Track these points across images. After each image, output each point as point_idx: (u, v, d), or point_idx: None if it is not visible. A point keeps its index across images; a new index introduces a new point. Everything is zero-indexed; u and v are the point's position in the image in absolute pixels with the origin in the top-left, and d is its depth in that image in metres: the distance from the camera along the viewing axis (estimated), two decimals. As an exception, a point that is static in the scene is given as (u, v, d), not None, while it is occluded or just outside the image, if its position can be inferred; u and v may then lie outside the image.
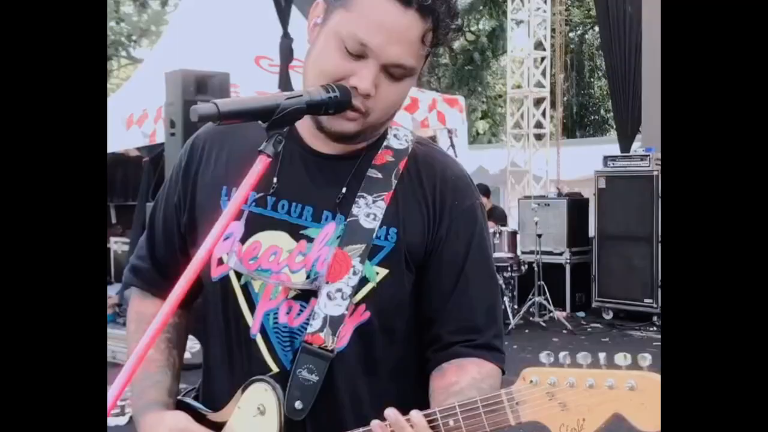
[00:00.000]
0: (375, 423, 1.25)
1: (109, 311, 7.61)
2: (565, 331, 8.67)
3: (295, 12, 7.42)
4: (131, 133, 8.31)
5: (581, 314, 9.66)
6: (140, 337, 1.48)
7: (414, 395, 1.37)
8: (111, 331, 7.22)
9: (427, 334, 1.43)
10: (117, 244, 9.86)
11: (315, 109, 1.29)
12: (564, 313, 9.36)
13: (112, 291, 8.27)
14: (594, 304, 9.69)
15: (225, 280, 1.42)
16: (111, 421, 5.15)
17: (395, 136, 1.47)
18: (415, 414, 1.23)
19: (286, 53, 6.80)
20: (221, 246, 1.41)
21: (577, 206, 10.17)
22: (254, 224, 1.41)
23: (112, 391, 1.14)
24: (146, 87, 9.05)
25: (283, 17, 7.00)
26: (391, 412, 1.23)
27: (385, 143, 1.45)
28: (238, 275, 1.40)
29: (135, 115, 8.27)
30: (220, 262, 1.41)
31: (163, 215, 1.54)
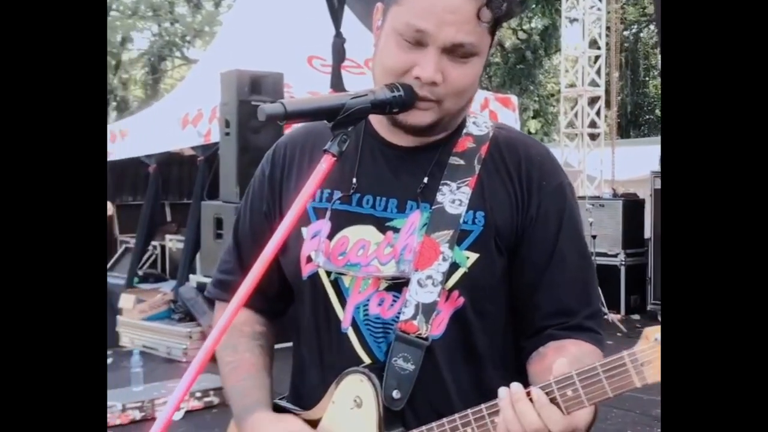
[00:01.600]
0: (503, 391, 1.20)
1: (164, 307, 7.73)
2: (619, 334, 8.53)
3: (347, 12, 7.44)
4: (186, 133, 8.43)
5: (636, 317, 9.50)
6: (233, 343, 1.51)
7: (513, 380, 1.35)
8: (165, 327, 7.34)
9: (520, 319, 1.41)
10: (171, 242, 10.02)
11: (380, 108, 1.29)
12: (618, 316, 9.21)
13: (167, 287, 8.40)
14: (649, 307, 9.52)
15: (314, 277, 1.42)
16: (166, 417, 5.23)
17: (474, 123, 1.46)
18: (534, 389, 1.17)
19: (339, 53, 6.82)
20: (309, 244, 1.42)
21: (632, 207, 9.98)
22: (340, 221, 1.41)
23: (180, 386, 1.15)
24: (201, 87, 9.18)
25: (336, 17, 7.03)
26: (514, 384, 1.19)
27: (464, 131, 1.44)
28: (328, 272, 1.40)
29: (190, 115, 8.38)
30: (309, 260, 1.42)
31: (251, 226, 1.54)
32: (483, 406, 1.24)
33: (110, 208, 4.44)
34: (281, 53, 8.13)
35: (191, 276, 8.05)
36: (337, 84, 6.67)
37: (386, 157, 1.43)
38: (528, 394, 1.18)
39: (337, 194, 1.42)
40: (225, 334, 1.52)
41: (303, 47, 8.51)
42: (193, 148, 8.68)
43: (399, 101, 1.29)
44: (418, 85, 1.30)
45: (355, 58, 7.70)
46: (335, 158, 1.25)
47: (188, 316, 7.39)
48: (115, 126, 10.71)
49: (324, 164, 1.24)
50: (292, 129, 1.52)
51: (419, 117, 1.34)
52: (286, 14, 9.00)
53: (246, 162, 7.11)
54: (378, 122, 1.42)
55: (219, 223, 7.31)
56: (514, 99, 9.61)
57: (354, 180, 1.42)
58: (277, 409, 1.46)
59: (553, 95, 21.87)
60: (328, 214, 1.41)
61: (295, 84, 7.60)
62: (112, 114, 29.45)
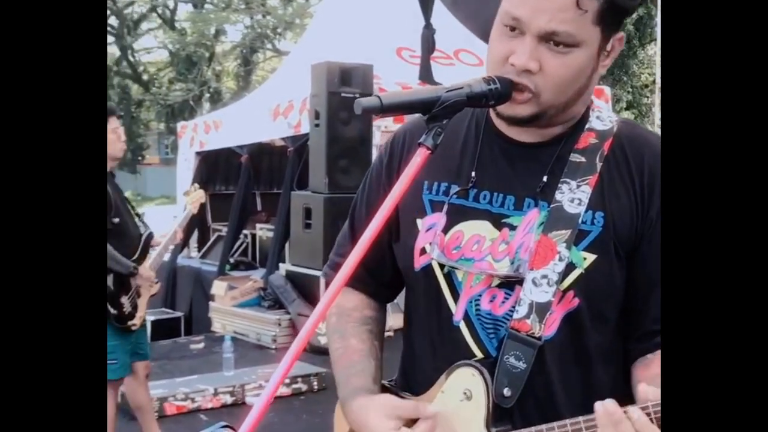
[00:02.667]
0: (599, 406, 1.18)
1: (254, 294, 7.89)
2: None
3: (437, 3, 7.40)
4: (277, 124, 8.58)
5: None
6: (341, 328, 1.54)
7: (625, 385, 1.32)
8: (255, 313, 7.50)
9: (629, 322, 1.38)
10: (261, 231, 10.22)
11: (476, 101, 1.28)
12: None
13: (257, 275, 8.58)
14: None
15: (428, 269, 1.43)
16: (257, 401, 5.35)
17: (598, 117, 1.42)
18: (633, 410, 1.16)
19: (428, 44, 6.79)
20: (424, 236, 1.43)
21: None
22: (456, 215, 1.41)
23: (278, 371, 1.17)
24: (292, 79, 9.32)
25: (426, 8, 7.00)
26: (610, 404, 1.17)
27: (587, 125, 1.41)
28: (441, 265, 1.41)
29: (281, 106, 8.52)
30: (423, 252, 1.43)
31: (367, 212, 1.55)
32: (581, 419, 1.22)
33: (203, 197, 4.64)
34: (371, 45, 8.18)
35: (280, 265, 8.19)
36: (426, 75, 6.65)
37: (506, 152, 1.42)
38: (626, 412, 1.16)
39: (455, 188, 1.41)
40: (335, 318, 1.58)
41: (392, 39, 8.52)
42: (283, 138, 8.83)
43: (495, 94, 1.28)
44: (515, 72, 1.29)
45: (445, 49, 7.68)
46: (430, 151, 1.25)
47: (277, 304, 7.53)
48: (208, 117, 10.99)
49: (419, 158, 1.24)
50: (411, 118, 1.53)
51: (517, 109, 1.32)
52: (375, 6, 9.02)
53: (335, 153, 7.20)
54: (495, 117, 1.41)
55: (308, 213, 7.43)
56: (607, 90, 9.40)
57: (473, 174, 1.41)
58: (386, 391, 1.47)
59: (647, 86, 21.24)
60: (445, 208, 1.41)
61: (384, 75, 7.63)
62: (205, 105, 30.21)
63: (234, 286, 7.92)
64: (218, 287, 7.95)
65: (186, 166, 10.47)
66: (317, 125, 7.24)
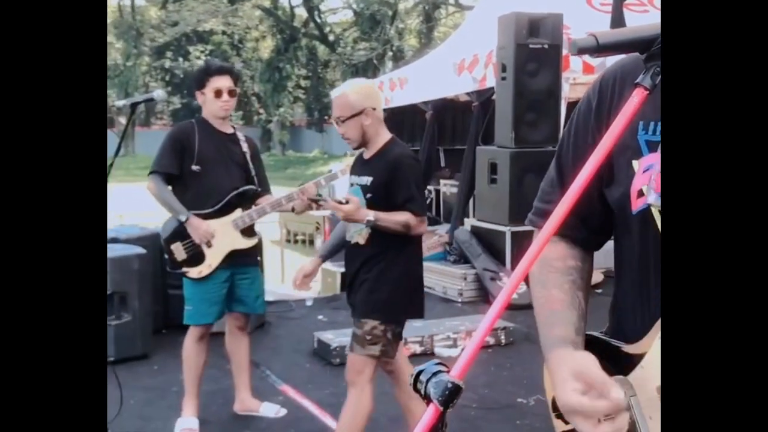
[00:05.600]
0: None
1: (440, 249, 8.00)
2: None
3: (630, -54, 7.03)
4: (462, 79, 8.56)
5: None
6: (543, 278, 1.53)
7: None
8: (441, 267, 7.60)
9: None
10: (446, 186, 10.30)
11: None
12: None
13: (442, 230, 8.68)
14: None
15: (645, 212, 1.39)
16: (444, 352, 5.46)
17: None
18: None
19: (620, -10, 6.49)
20: (640, 178, 1.39)
21: None
22: None
23: (487, 318, 1.18)
24: (476, 33, 9.24)
25: (618, -48, 6.68)
26: None
27: None
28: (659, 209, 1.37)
29: (466, 61, 8.48)
30: (640, 194, 1.39)
31: (573, 157, 1.53)
32: None
33: None
34: (559, -6, 7.93)
35: (465, 220, 8.24)
36: (618, 24, 6.36)
37: None
38: None
39: None
40: (537, 269, 1.57)
41: (581, -13, 8.22)
42: (468, 93, 8.80)
43: None
44: None
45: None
46: (648, 92, 1.20)
47: (462, 259, 7.60)
48: (394, 74, 11.15)
49: (636, 98, 1.20)
50: (622, 58, 1.48)
51: None
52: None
53: (522, 106, 7.09)
54: None
55: (493, 168, 7.39)
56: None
57: None
58: (595, 342, 1.46)
59: None
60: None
61: (573, 25, 7.38)
62: (388, 64, 30.65)
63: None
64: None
65: (372, 123, 10.69)
66: (504, 78, 7.15)
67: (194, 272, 4.08)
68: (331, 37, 35.41)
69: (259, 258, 4.28)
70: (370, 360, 3.40)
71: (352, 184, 3.55)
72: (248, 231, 4.14)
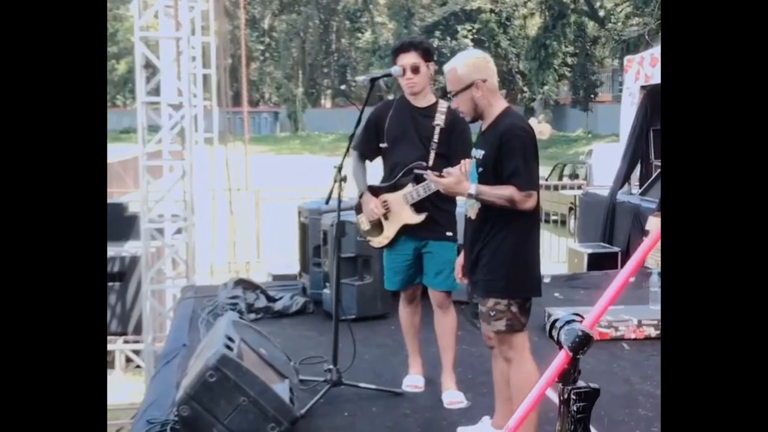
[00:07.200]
0: None
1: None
2: None
3: None
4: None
5: None
6: None
7: None
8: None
9: None
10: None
11: None
12: None
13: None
14: None
15: None
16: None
17: None
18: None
19: None
20: None
21: None
22: None
23: (622, 273, 1.23)
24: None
25: None
26: None
27: None
28: None
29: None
30: None
31: None
32: None
33: (546, 131, 4.28)
34: None
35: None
36: None
37: None
38: None
39: None
40: None
41: None
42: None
43: None
44: None
45: None
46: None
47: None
48: (656, 50, 10.65)
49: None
50: None
51: None
52: None
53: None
54: None
55: None
56: None
57: None
58: None
59: None
60: None
61: None
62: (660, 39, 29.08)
63: (670, 222, 7.73)
64: (652, 223, 7.83)
65: (630, 100, 10.34)
66: None
67: (375, 242, 4.33)
68: (602, 13, 34.31)
69: (449, 233, 4.19)
70: (507, 335, 3.39)
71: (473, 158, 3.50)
72: (419, 206, 4.15)
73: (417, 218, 4.14)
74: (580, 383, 1.33)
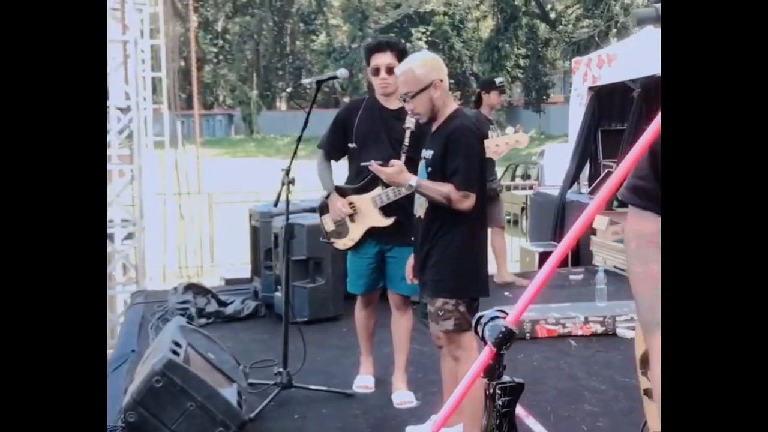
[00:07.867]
0: None
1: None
2: None
3: None
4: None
5: None
6: (642, 253, 1.52)
7: None
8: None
9: None
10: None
11: None
12: None
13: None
14: None
15: None
16: (627, 333, 5.35)
17: None
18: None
19: None
20: None
21: None
22: None
23: (544, 268, 1.26)
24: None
25: None
26: None
27: None
28: None
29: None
30: None
31: None
32: None
33: (523, 141, 4.20)
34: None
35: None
36: None
37: None
38: None
39: None
40: (635, 244, 1.57)
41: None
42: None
43: None
44: None
45: None
46: None
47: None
48: (603, 51, 10.84)
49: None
50: None
51: None
52: None
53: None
54: None
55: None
56: None
57: None
58: None
59: None
60: None
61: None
62: (612, 41, 29.55)
63: (616, 221, 7.86)
64: (600, 222, 7.96)
65: (578, 101, 10.51)
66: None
67: (340, 244, 4.27)
68: (553, 15, 34.76)
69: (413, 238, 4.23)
70: (455, 335, 3.40)
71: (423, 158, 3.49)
72: (388, 210, 4.10)
73: (385, 221, 4.09)
74: (505, 378, 1.37)
